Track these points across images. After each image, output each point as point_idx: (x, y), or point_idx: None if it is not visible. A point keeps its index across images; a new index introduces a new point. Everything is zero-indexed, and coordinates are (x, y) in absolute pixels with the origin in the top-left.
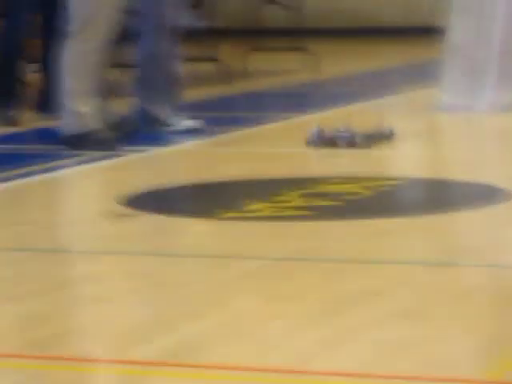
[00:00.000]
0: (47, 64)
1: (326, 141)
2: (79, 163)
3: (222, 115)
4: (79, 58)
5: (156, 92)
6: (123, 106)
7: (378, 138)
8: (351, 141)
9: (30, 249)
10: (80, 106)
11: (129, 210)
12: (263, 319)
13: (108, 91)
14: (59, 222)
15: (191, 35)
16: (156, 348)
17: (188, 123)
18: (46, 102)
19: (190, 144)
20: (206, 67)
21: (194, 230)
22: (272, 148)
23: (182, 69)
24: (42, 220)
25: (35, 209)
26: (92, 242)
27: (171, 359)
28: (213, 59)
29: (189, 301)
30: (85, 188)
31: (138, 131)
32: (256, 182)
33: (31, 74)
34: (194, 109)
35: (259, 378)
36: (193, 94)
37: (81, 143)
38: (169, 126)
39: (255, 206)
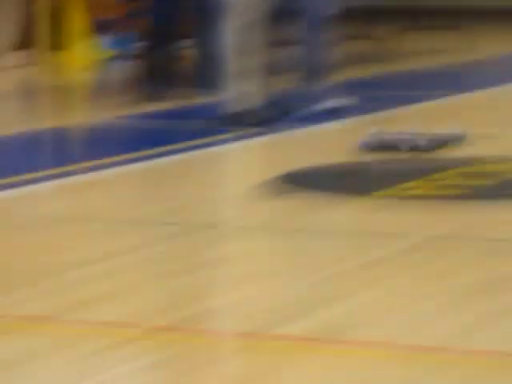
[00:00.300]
0: (202, 40)
1: (385, 144)
2: (236, 140)
3: (376, 94)
4: (238, 37)
5: (311, 71)
6: (280, 85)
7: (445, 141)
8: (414, 144)
9: (183, 224)
10: (239, 84)
11: (283, 187)
12: (416, 297)
13: (266, 69)
14: (213, 197)
15: (347, 14)
16: (308, 324)
17: (342, 102)
18: (201, 78)
19: (343, 122)
20: (362, 46)
21: (348, 208)
22: (427, 127)
23: (338, 48)
24: (196, 195)
25: (189, 184)
26: (245, 218)
27: (324, 335)
28: (368, 38)
29: (342, 277)
30: (240, 165)
31: (294, 110)
32: (411, 161)
33: (185, 50)
34: (349, 88)
35: (409, 355)
36: (348, 73)
37: (239, 120)
38: (323, 104)
39: (410, 184)
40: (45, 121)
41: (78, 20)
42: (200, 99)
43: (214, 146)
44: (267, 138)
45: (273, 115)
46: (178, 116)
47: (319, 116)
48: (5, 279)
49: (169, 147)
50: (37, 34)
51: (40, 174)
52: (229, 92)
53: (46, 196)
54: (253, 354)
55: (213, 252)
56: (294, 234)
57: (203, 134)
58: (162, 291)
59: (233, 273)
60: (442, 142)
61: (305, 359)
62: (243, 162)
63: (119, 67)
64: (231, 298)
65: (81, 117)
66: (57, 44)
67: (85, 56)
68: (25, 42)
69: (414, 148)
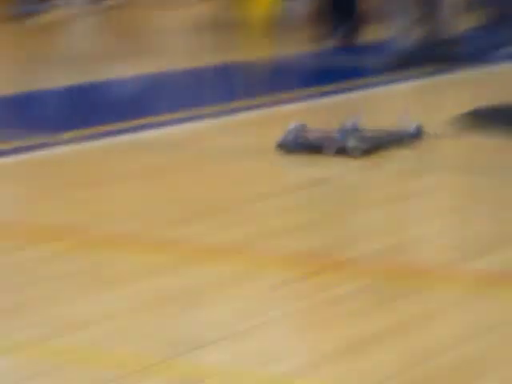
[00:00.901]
0: None
1: (307, 145)
2: (404, 80)
3: None
4: None
5: (499, 14)
6: (467, 25)
7: (381, 143)
8: (341, 146)
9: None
10: (410, 25)
11: (466, 125)
12: None
13: (452, 10)
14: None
15: None
16: (493, 260)
17: None
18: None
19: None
20: None
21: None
22: None
23: None
24: None
25: (368, 121)
26: (425, 155)
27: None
28: None
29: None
30: (416, 103)
31: (476, 50)
32: None
33: None
34: None
35: None
36: None
37: (409, 60)
38: (501, 49)
39: None
40: (225, 55)
41: None
42: (375, 37)
43: (388, 84)
44: (437, 79)
45: (444, 55)
46: (354, 53)
47: (494, 59)
48: (190, 210)
49: (345, 84)
50: None
51: (220, 107)
52: (401, 32)
53: (224, 129)
54: (440, 287)
55: (395, 188)
56: (462, 175)
57: (379, 71)
58: (347, 225)
59: (419, 208)
60: (378, 145)
61: (493, 294)
62: (419, 101)
63: (300, 3)
64: (419, 232)
65: (261, 52)
66: None
67: None
68: None
69: (341, 151)
